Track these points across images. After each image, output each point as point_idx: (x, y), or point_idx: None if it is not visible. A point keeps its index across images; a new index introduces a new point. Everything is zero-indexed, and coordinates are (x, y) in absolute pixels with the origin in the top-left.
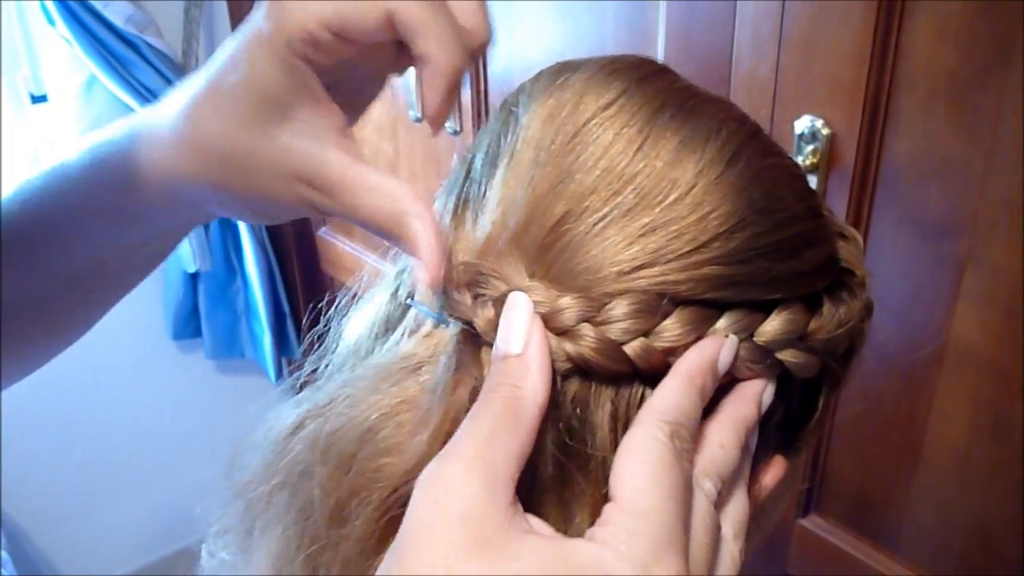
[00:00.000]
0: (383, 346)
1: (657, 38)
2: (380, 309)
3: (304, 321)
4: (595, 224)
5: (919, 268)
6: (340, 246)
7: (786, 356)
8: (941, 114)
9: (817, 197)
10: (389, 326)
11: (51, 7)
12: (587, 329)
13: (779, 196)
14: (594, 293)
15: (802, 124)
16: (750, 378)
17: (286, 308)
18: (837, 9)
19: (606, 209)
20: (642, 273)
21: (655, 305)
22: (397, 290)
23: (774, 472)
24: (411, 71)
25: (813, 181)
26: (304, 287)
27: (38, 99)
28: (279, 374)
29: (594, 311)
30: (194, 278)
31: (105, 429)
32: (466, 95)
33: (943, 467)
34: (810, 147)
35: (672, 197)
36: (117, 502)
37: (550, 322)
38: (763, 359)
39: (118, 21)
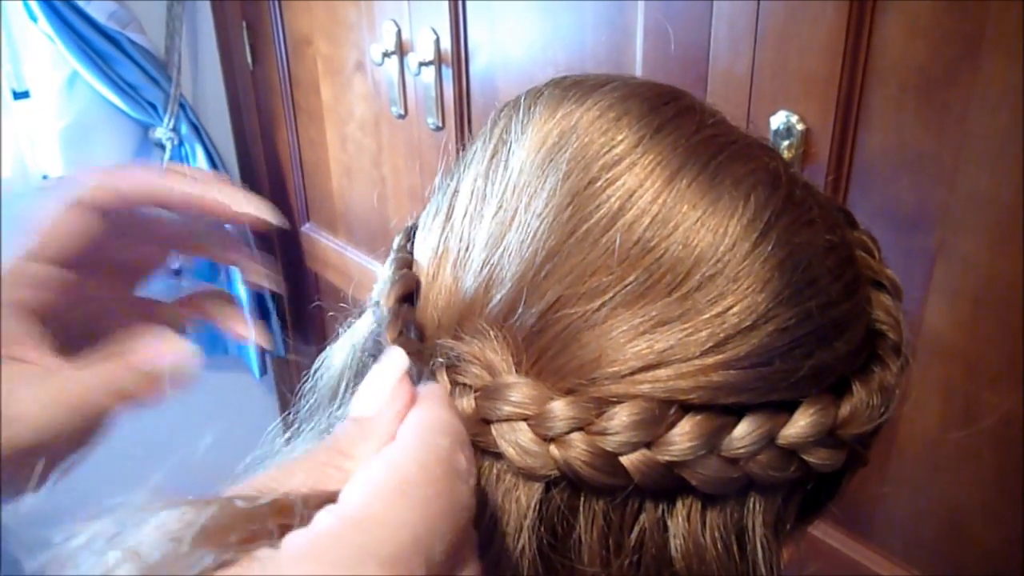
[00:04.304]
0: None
1: (635, 36)
2: (351, 353)
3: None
4: (595, 311)
5: (892, 261)
6: (324, 242)
7: (813, 457)
8: (912, 109)
9: (855, 264)
10: (359, 374)
11: (33, 4)
12: (579, 438)
13: (811, 279)
14: (589, 395)
15: (778, 120)
16: (770, 485)
17: (270, 305)
18: (811, 6)
19: (608, 295)
20: (647, 376)
21: (661, 414)
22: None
23: (787, 556)
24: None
25: None
26: (288, 284)
27: (20, 95)
28: (263, 371)
29: (589, 419)
30: (177, 274)
31: None
32: (448, 92)
33: (915, 456)
34: (785, 142)
35: (687, 287)
36: (99, 501)
37: (537, 427)
38: (787, 465)
39: (100, 17)
